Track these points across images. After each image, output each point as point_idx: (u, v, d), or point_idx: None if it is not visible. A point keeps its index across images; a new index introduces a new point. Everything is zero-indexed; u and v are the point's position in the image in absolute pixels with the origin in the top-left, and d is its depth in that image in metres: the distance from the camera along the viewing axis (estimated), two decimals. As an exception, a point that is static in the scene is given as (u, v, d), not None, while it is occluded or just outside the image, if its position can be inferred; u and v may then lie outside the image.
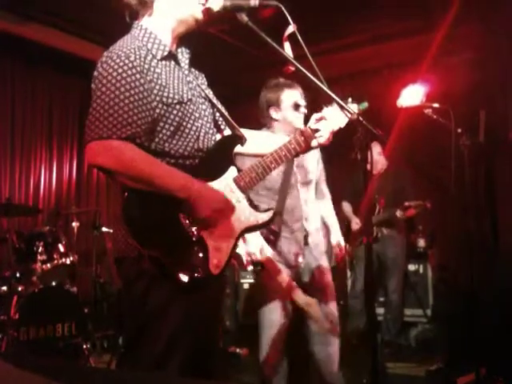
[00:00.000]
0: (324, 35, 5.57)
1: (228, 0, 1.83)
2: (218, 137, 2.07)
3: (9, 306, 4.03)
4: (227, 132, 2.12)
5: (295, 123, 3.00)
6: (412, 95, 3.15)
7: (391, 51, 6.08)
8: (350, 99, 2.14)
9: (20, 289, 4.24)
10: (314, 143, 2.14)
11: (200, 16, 1.94)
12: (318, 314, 2.94)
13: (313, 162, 3.15)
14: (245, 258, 2.93)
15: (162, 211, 1.81)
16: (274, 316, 2.97)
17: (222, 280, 2.02)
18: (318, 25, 5.16)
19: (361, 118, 1.74)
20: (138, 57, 1.82)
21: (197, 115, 1.96)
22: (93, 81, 1.83)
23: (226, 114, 2.11)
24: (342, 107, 1.84)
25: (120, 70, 1.77)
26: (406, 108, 3.17)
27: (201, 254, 1.82)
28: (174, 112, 1.87)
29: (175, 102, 1.87)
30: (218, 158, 1.99)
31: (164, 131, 1.86)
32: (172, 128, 1.87)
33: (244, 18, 1.81)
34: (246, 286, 6.53)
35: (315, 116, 2.15)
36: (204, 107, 2.03)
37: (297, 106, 3.01)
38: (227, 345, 5.51)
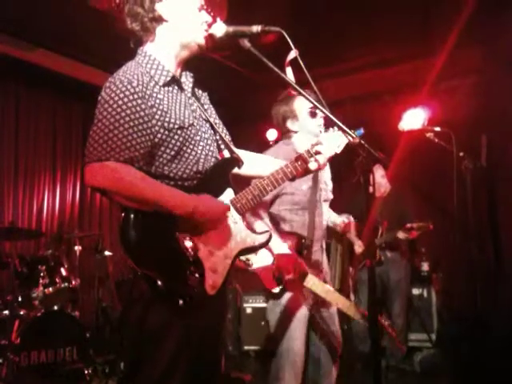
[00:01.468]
0: (325, 60, 5.63)
1: (231, 26, 1.86)
2: (218, 158, 2.10)
3: (10, 331, 4.01)
4: (226, 153, 2.15)
5: (315, 131, 2.92)
6: (413, 119, 3.17)
7: (392, 75, 6.13)
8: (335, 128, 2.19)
9: (22, 313, 4.22)
10: (310, 167, 2.16)
11: (203, 42, 1.97)
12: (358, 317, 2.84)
13: (329, 179, 3.14)
14: (272, 274, 2.83)
15: (158, 231, 1.82)
16: (297, 345, 2.81)
17: (221, 303, 2.01)
18: (319, 50, 5.22)
19: (363, 142, 1.75)
20: (140, 83, 1.85)
21: (198, 139, 1.99)
22: (96, 105, 1.87)
23: (225, 135, 2.15)
24: (343, 131, 1.85)
25: (121, 95, 1.81)
26: (408, 131, 3.18)
27: (197, 275, 1.82)
28: (176, 137, 1.90)
29: (176, 127, 1.90)
30: (216, 180, 2.01)
31: (165, 155, 1.89)
32: (173, 152, 1.89)
33: (246, 43, 1.84)
34: (248, 311, 6.48)
35: (311, 141, 2.18)
36: (205, 130, 2.06)
37: (313, 113, 2.96)
38: (229, 370, 5.45)
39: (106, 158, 1.76)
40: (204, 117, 2.09)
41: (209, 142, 2.05)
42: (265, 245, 2.06)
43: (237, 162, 2.10)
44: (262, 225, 2.82)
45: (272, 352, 2.88)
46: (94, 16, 4.48)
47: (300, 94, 1.84)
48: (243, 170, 2.16)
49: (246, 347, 6.33)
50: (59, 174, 6.55)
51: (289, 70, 1.84)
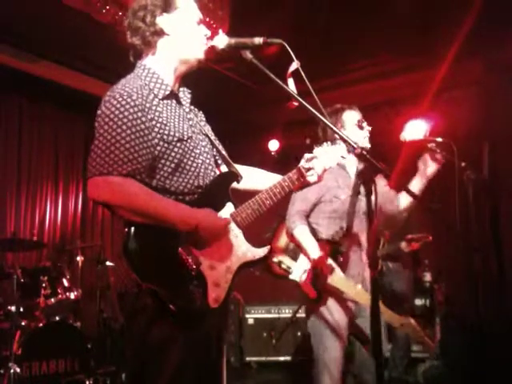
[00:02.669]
0: (326, 72, 5.65)
1: (233, 38, 1.88)
2: (216, 172, 2.11)
3: (12, 341, 4.00)
4: (224, 167, 2.17)
5: (362, 143, 3.00)
6: (415, 129, 3.17)
7: (392, 87, 6.15)
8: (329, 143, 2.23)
9: (23, 324, 4.21)
10: (307, 181, 2.18)
11: (202, 56, 2.00)
12: (419, 333, 2.84)
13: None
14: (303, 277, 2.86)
15: (162, 246, 1.84)
16: (337, 354, 2.82)
17: (223, 316, 2.02)
18: (321, 61, 5.24)
19: (364, 152, 1.75)
20: (139, 96, 1.87)
21: (197, 152, 2.00)
22: (96, 119, 1.88)
23: (223, 150, 2.17)
24: (345, 141, 1.85)
25: (122, 109, 1.82)
26: (410, 142, 3.18)
27: (199, 289, 1.84)
28: (175, 150, 1.91)
29: (176, 139, 1.91)
30: (216, 194, 2.03)
31: (165, 168, 1.90)
32: (173, 165, 1.90)
33: (248, 55, 1.85)
34: (250, 322, 6.46)
35: (307, 156, 2.21)
36: (204, 144, 2.07)
37: (360, 125, 3.05)
38: (231, 382, 5.42)
39: (108, 172, 1.77)
40: (203, 131, 2.10)
41: (208, 156, 2.07)
42: (264, 259, 2.07)
43: (236, 176, 2.12)
44: (303, 230, 2.87)
45: (305, 361, 2.89)
46: (97, 28, 4.51)
47: (302, 104, 1.85)
48: (241, 185, 2.18)
49: (247, 358, 6.30)
50: (61, 185, 6.57)
51: (291, 81, 1.85)
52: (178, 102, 2.03)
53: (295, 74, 1.84)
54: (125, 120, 1.81)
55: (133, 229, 1.80)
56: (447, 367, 5.03)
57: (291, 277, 2.94)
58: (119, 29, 2.05)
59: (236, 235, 2.01)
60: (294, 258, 3.00)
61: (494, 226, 5.80)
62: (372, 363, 2.93)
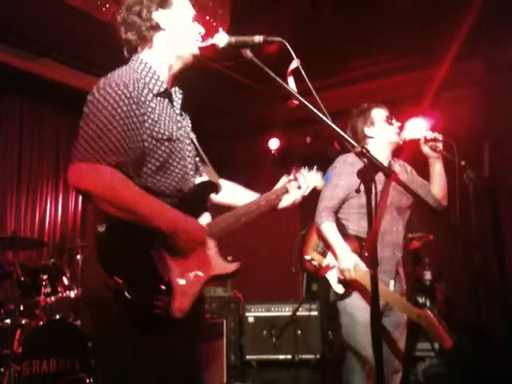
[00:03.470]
0: (326, 71, 5.65)
1: (233, 36, 1.88)
2: (197, 180, 2.08)
3: (12, 340, 4.00)
4: (205, 176, 2.15)
5: (390, 137, 3.09)
6: (415, 128, 3.18)
7: (392, 86, 6.15)
8: (314, 168, 2.34)
9: (24, 322, 4.21)
10: (282, 205, 2.23)
11: (197, 51, 2.00)
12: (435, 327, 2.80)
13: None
14: (336, 277, 2.89)
15: (136, 246, 1.78)
16: (367, 348, 2.78)
17: (196, 328, 1.97)
18: (321, 60, 5.24)
19: (365, 150, 1.74)
20: (136, 88, 1.85)
21: (183, 155, 1.98)
22: (87, 105, 1.86)
23: (207, 160, 2.16)
24: (345, 140, 1.85)
25: (117, 98, 1.79)
26: (410, 141, 3.18)
27: (166, 296, 1.75)
28: (162, 148, 1.88)
29: (165, 138, 1.89)
30: (195, 202, 1.99)
31: (149, 165, 1.86)
32: (158, 164, 1.87)
33: (248, 53, 1.85)
34: (251, 320, 6.46)
35: (285, 179, 2.27)
36: (189, 148, 2.05)
37: (390, 121, 3.11)
38: (231, 380, 5.42)
39: (96, 160, 1.72)
40: (189, 136, 2.09)
41: (192, 161, 2.05)
42: (233, 275, 2.06)
43: (215, 187, 2.10)
44: (330, 227, 2.92)
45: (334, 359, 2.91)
46: (96, 26, 4.51)
47: (302, 103, 1.85)
48: (218, 197, 2.18)
49: (248, 357, 6.30)
50: (62, 184, 6.56)
51: (291, 80, 1.85)
52: (170, 102, 2.01)
53: (295, 73, 1.84)
54: (119, 110, 1.78)
55: (108, 224, 1.75)
56: (447, 366, 5.03)
57: (321, 274, 2.98)
58: (116, 26, 2.04)
59: (209, 247, 1.98)
60: (324, 254, 3.04)
61: (495, 225, 5.80)
62: (393, 361, 2.96)
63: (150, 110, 1.87)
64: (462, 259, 4.77)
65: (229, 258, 2.04)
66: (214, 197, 2.14)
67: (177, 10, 2.02)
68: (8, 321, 4.19)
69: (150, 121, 1.86)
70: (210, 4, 4.42)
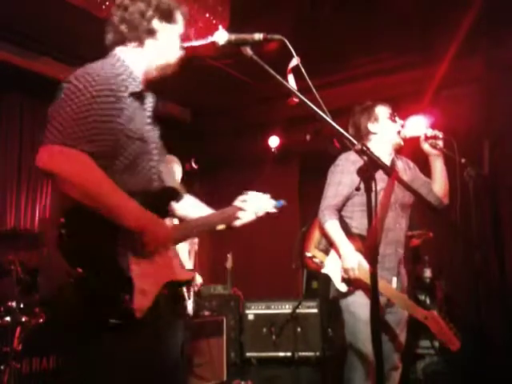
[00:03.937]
0: (326, 69, 5.65)
1: (233, 34, 1.88)
2: (162, 185, 2.08)
3: (12, 337, 4.00)
4: (168, 183, 2.14)
5: (392, 135, 3.10)
6: (416, 126, 3.18)
7: (392, 84, 6.15)
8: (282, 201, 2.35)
9: (23, 320, 4.21)
10: (234, 224, 2.24)
11: (175, 62, 2.06)
12: (442, 328, 2.86)
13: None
14: (340, 275, 2.90)
15: (99, 239, 1.76)
16: (369, 346, 2.80)
17: (170, 328, 1.97)
18: (321, 59, 5.24)
19: (365, 148, 1.74)
20: (115, 82, 1.86)
21: (151, 157, 1.98)
22: (63, 91, 1.84)
23: (171, 170, 2.18)
24: (345, 138, 1.85)
25: (98, 88, 1.79)
26: (410, 139, 3.19)
27: (126, 293, 1.74)
28: (133, 147, 1.89)
29: (136, 136, 1.90)
30: (156, 206, 1.98)
31: (118, 163, 1.86)
32: (127, 162, 1.87)
33: (248, 51, 1.85)
34: (250, 317, 6.46)
35: (240, 198, 2.26)
36: (156, 152, 2.05)
37: (393, 119, 3.13)
38: (231, 378, 5.43)
39: (71, 145, 1.70)
40: (157, 142, 2.08)
41: (158, 166, 2.04)
42: (188, 284, 2.07)
43: (177, 194, 2.13)
44: (333, 225, 2.93)
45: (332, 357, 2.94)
46: (97, 25, 4.50)
47: (302, 101, 1.85)
48: (176, 206, 2.19)
49: (248, 354, 6.31)
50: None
51: (291, 78, 1.85)
52: (142, 104, 2.02)
53: (295, 71, 1.84)
54: (99, 100, 1.77)
55: (72, 214, 1.73)
56: (447, 363, 5.03)
57: (323, 271, 2.99)
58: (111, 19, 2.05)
59: (170, 251, 1.99)
60: (326, 252, 3.04)
61: (495, 224, 5.80)
62: (393, 358, 2.97)
63: (125, 106, 1.87)
64: (462, 258, 4.78)
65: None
66: (173, 204, 2.16)
67: (175, 28, 2.06)
68: (8, 318, 4.19)
69: (125, 117, 1.86)
70: (210, 1, 4.41)
